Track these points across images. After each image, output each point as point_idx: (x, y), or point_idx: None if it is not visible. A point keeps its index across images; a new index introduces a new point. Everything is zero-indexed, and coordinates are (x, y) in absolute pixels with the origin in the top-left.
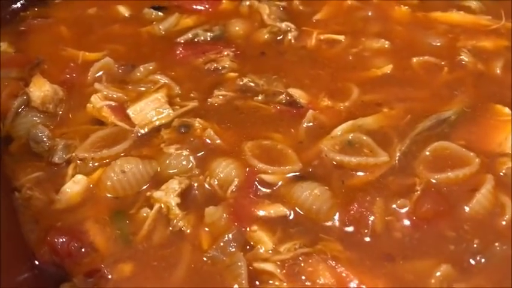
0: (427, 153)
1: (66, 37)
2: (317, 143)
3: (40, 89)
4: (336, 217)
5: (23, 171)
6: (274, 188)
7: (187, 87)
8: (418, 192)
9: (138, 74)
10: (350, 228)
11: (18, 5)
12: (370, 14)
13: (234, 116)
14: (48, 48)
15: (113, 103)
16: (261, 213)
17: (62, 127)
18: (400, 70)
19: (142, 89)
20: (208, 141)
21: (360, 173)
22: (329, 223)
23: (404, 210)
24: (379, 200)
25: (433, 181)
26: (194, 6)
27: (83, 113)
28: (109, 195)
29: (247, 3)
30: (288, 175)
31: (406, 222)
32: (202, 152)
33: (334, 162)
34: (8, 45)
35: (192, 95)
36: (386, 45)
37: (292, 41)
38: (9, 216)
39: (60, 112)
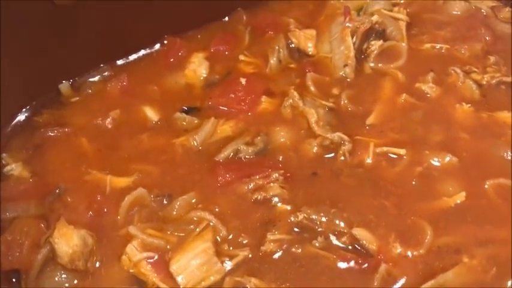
0: None
1: (89, 154)
2: None
3: (68, 244)
4: None
5: None
6: None
7: (235, 227)
8: None
9: (177, 209)
10: None
11: (29, 113)
12: (428, 114)
13: (293, 270)
14: (70, 170)
15: (153, 255)
16: None
17: None
18: (474, 199)
19: (183, 234)
20: None
21: None
22: None
23: None
24: None
25: None
26: (230, 109)
27: (117, 267)
28: None
29: (290, 101)
30: None
31: None
32: None
33: None
34: (23, 167)
35: (241, 239)
36: (453, 162)
37: (347, 155)
38: None
39: (96, 266)
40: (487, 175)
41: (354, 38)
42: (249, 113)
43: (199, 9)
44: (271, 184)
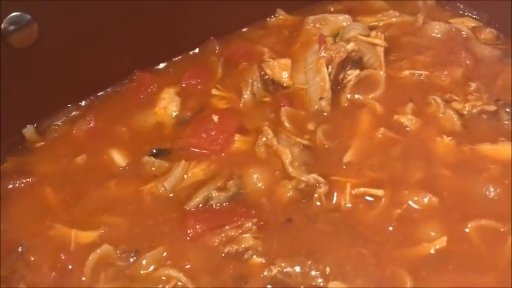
0: None
1: (53, 205)
2: None
3: None
4: None
5: None
6: None
7: (205, 285)
8: None
9: (144, 266)
10: None
11: None
12: (408, 149)
13: None
14: (33, 225)
15: None
16: None
17: None
18: (455, 243)
19: None
20: None
21: None
22: None
23: None
24: None
25: None
26: (202, 150)
27: None
28: None
29: (264, 140)
30: None
31: None
32: None
33: None
34: None
35: None
36: (434, 202)
37: (323, 199)
38: None
39: None
40: (469, 216)
41: (330, 68)
42: (222, 154)
43: (169, 40)
44: (244, 235)
